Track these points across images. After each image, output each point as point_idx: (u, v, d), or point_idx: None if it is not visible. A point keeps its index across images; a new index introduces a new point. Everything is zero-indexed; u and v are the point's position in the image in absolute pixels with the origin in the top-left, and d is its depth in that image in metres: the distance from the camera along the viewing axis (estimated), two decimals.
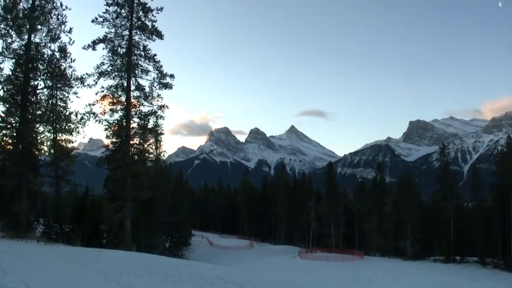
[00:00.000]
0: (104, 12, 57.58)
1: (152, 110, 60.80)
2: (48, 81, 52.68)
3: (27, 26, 48.90)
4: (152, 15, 59.29)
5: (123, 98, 59.69)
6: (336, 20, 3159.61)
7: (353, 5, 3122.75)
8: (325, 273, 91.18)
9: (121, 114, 59.99)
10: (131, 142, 61.43)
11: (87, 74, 56.30)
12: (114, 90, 59.01)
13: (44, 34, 50.74)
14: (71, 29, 51.54)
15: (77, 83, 54.50)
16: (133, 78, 59.80)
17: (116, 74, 59.03)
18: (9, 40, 48.52)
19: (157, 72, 60.24)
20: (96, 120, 58.23)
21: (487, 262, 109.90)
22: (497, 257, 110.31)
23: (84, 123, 56.09)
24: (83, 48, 56.89)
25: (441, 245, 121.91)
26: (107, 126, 59.74)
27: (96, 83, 57.62)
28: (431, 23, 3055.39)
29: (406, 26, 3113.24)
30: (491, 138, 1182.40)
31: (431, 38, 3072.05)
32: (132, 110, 60.24)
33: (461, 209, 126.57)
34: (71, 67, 53.07)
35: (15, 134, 51.21)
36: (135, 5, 58.87)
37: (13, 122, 50.96)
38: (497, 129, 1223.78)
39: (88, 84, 56.13)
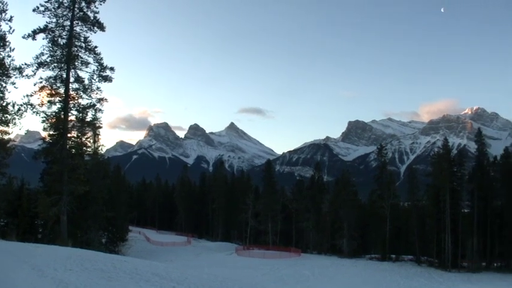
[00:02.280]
0: (45, 1, 56.29)
1: (91, 102, 59.74)
2: None
3: None
4: (95, 6, 58.22)
5: (61, 90, 58.49)
6: (273, 17, 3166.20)
7: (293, 1, 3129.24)
8: (262, 270, 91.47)
9: (59, 106, 58.73)
10: (69, 135, 60.20)
11: (26, 64, 54.94)
12: (52, 81, 57.74)
13: None
14: (11, 17, 50.37)
15: (15, 73, 53.18)
16: (72, 70, 58.62)
17: (56, 65, 57.78)
18: None
19: (97, 64, 59.22)
20: (34, 112, 56.89)
21: (422, 260, 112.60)
22: (432, 256, 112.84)
23: (22, 115, 54.74)
24: (23, 37, 55.57)
25: (377, 244, 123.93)
26: (44, 118, 58.39)
27: (35, 73, 56.28)
28: (371, 24, 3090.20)
29: (345, 26, 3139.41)
30: (428, 140, 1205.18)
31: (370, 39, 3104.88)
32: (71, 102, 59.02)
33: (398, 209, 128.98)
34: (10, 56, 51.80)
35: None
36: None
37: None
38: (434, 131, 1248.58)
39: (26, 75, 54.83)
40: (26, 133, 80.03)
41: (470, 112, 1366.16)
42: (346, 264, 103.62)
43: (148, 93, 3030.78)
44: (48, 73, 57.80)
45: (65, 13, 57.84)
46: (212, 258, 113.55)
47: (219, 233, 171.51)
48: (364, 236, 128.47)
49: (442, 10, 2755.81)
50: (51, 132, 60.47)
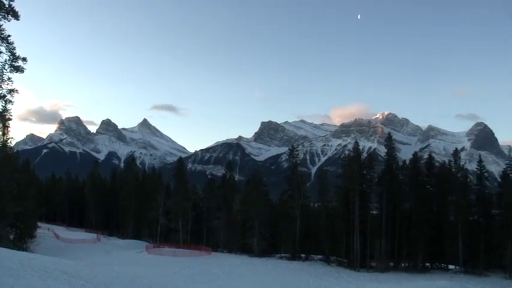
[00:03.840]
0: None
1: (1, 93, 58.11)
2: None
3: None
4: None
5: None
6: (190, 14, 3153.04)
7: (211, 1, 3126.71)
8: (172, 268, 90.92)
9: None
10: None
11: None
12: None
13: None
14: None
15: None
16: None
17: None
18: None
19: (9, 54, 57.53)
20: None
21: (332, 260, 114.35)
22: (341, 256, 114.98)
23: None
24: None
25: (287, 243, 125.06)
26: None
27: None
28: (286, 26, 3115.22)
29: (260, 26, 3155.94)
30: (339, 143, 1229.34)
31: (284, 41, 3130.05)
32: None
33: (308, 209, 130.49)
34: None
35: None
36: None
37: None
38: (345, 134, 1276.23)
39: None
40: None
41: (381, 117, 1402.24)
42: (256, 263, 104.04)
43: (60, 86, 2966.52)
44: None
45: None
46: (122, 256, 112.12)
47: (130, 231, 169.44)
48: (275, 235, 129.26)
49: (358, 17, 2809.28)
50: None
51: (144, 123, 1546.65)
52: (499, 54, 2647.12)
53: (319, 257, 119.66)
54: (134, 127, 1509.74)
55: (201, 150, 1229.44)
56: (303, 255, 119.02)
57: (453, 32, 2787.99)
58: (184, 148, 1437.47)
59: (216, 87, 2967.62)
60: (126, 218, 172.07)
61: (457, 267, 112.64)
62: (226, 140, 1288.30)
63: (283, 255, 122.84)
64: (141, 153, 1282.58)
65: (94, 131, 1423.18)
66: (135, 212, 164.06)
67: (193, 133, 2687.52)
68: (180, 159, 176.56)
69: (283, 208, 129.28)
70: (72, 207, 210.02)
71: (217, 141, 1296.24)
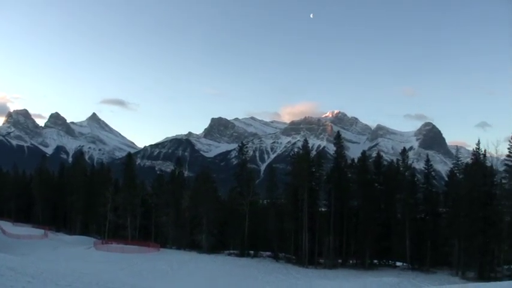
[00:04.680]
0: None
1: None
2: None
3: None
4: None
5: None
6: (140, 10, 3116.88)
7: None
8: (121, 264, 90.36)
9: None
10: None
11: None
12: None
13: None
14: None
15: None
16: None
17: None
18: None
19: None
20: None
21: (280, 257, 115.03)
22: (290, 253, 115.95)
23: None
24: None
25: (236, 240, 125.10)
26: None
27: None
28: (234, 24, 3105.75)
29: (210, 24, 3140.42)
30: (289, 140, 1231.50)
31: (233, 38, 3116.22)
32: None
33: (257, 206, 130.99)
34: None
35: None
36: None
37: None
38: (295, 132, 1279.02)
39: None
40: None
41: (331, 115, 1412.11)
42: (205, 260, 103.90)
43: (8, 78, 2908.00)
44: None
45: None
46: (70, 252, 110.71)
47: (78, 227, 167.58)
48: (224, 232, 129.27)
49: (311, 16, 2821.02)
50: None
51: (93, 118, 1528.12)
52: (447, 56, 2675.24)
53: (268, 253, 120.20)
54: (83, 121, 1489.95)
55: (151, 145, 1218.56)
56: (252, 252, 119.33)
57: (400, 33, 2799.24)
58: (134, 143, 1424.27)
59: (166, 82, 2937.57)
60: (74, 213, 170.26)
61: (404, 264, 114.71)
62: (176, 135, 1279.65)
63: (232, 251, 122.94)
64: (89, 147, 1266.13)
65: (42, 125, 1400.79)
66: (83, 208, 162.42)
67: (142, 128, 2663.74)
68: (129, 155, 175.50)
69: (232, 205, 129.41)
70: (19, 202, 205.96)
71: (167, 137, 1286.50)
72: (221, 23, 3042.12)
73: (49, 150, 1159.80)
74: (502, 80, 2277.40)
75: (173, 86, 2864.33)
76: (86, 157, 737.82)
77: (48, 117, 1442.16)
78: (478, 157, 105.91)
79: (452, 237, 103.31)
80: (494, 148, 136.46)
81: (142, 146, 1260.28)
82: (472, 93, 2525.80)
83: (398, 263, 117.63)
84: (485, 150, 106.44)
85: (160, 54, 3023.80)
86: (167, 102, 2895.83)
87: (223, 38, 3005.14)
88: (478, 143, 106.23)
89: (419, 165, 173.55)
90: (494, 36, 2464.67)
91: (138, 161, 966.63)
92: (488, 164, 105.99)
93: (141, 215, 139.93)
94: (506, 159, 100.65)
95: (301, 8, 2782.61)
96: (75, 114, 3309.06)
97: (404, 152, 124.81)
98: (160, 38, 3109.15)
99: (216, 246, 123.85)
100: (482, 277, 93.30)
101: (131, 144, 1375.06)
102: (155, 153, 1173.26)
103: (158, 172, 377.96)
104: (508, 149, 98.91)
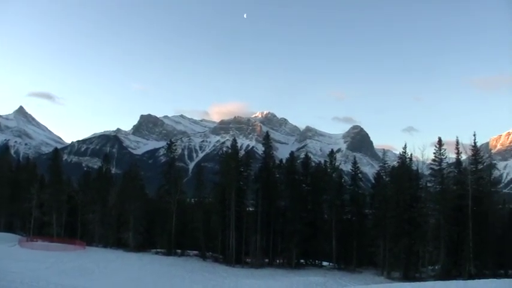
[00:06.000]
0: None
1: None
2: None
3: None
4: None
5: None
6: (72, 3, 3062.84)
7: None
8: (45, 263, 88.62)
9: None
10: None
11: None
12: None
13: None
14: None
15: None
16: None
17: None
18: None
19: None
20: None
21: (207, 256, 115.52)
22: (217, 252, 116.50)
23: None
24: None
25: (163, 238, 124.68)
26: None
27: None
28: (168, 17, 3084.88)
29: (141, 19, 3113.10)
30: (218, 139, 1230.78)
31: (163, 34, 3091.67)
32: None
33: (184, 204, 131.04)
34: None
35: None
36: None
37: None
38: (224, 131, 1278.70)
39: None
40: None
41: (260, 116, 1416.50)
42: (132, 258, 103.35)
43: None
44: None
45: None
46: None
47: (1, 223, 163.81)
48: (151, 230, 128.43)
49: (244, 16, 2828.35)
50: None
51: (20, 111, 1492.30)
52: (376, 60, 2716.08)
53: (195, 252, 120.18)
54: (10, 114, 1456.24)
55: (78, 141, 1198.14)
56: (179, 251, 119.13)
57: (331, 35, 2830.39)
58: (61, 138, 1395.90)
59: (94, 76, 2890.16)
60: None
61: (330, 264, 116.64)
62: (104, 132, 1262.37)
63: (159, 250, 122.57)
64: (15, 142, 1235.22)
65: None
66: (7, 204, 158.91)
67: (70, 123, 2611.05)
68: (56, 150, 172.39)
69: (160, 203, 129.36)
70: None
71: (95, 133, 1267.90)
72: (150, 19, 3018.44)
73: None
74: (429, 86, 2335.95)
75: (101, 81, 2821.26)
76: (12, 151, 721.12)
77: None
78: (405, 160, 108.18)
79: (378, 238, 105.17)
80: (421, 152, 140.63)
81: (69, 142, 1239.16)
82: (400, 98, 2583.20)
83: (324, 263, 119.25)
84: (411, 154, 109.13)
85: (87, 48, 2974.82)
86: (95, 97, 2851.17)
87: (151, 34, 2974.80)
88: (405, 147, 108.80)
89: (347, 167, 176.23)
90: (423, 40, 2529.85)
91: (65, 156, 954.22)
92: (414, 168, 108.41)
93: (67, 212, 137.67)
94: (432, 164, 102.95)
95: (234, 7, 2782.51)
96: (1, 107, 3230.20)
97: (332, 153, 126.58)
98: (87, 31, 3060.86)
99: (143, 245, 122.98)
100: (407, 277, 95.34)
101: (58, 140, 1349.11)
102: (82, 149, 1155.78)
103: (85, 168, 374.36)
104: (434, 153, 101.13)
